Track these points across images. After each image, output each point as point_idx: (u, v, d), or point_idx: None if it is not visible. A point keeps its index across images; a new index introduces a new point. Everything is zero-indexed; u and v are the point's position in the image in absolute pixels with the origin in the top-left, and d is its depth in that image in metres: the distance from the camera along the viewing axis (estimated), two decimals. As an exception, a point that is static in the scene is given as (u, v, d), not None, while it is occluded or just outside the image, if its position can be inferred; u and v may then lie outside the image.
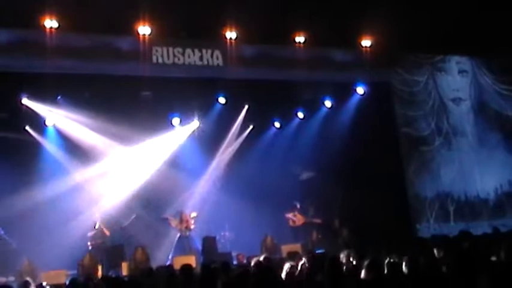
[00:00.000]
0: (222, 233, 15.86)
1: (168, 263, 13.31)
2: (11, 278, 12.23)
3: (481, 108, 16.77)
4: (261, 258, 8.72)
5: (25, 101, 13.64)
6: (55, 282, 10.73)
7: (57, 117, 14.33)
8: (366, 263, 6.50)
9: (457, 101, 16.51)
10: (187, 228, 14.69)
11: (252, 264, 8.29)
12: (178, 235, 14.68)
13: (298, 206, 16.04)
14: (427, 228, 15.09)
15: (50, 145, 14.82)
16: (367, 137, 15.71)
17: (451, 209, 15.66)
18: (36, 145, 14.57)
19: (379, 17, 13.57)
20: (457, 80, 16.68)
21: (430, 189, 15.73)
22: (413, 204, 15.51)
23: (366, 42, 14.74)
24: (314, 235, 15.28)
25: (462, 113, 16.56)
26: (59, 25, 11.76)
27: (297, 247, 13.63)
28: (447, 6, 14.00)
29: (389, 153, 15.64)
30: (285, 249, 13.64)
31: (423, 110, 15.99)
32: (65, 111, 14.02)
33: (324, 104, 16.37)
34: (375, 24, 14.10)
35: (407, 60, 15.93)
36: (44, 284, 9.92)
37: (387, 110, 15.76)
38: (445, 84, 16.49)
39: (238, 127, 16.76)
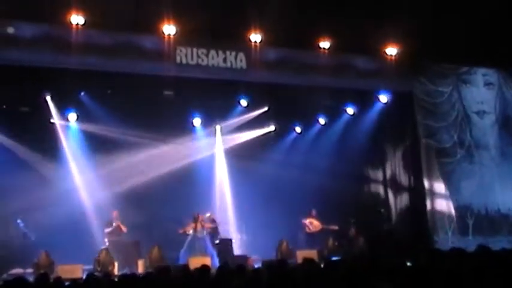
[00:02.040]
0: (238, 236, 15.85)
1: (182, 262, 13.34)
2: (29, 270, 12.36)
3: (505, 122, 16.51)
4: (275, 262, 8.69)
5: (48, 98, 13.83)
6: (71, 276, 10.77)
7: (79, 113, 14.47)
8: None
9: (481, 113, 16.27)
10: (202, 228, 14.73)
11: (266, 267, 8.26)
12: (191, 236, 14.70)
13: (315, 212, 15.98)
14: (446, 240, 14.89)
15: (71, 139, 14.96)
16: (388, 146, 15.61)
17: (470, 222, 15.44)
18: (58, 138, 14.71)
19: (404, 25, 13.48)
20: (482, 93, 16.43)
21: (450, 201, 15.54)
22: (432, 215, 15.31)
23: (391, 51, 14.63)
24: (330, 242, 15.18)
25: (486, 126, 16.31)
26: (85, 22, 11.84)
27: (312, 253, 13.54)
28: (475, 17, 13.87)
29: (409, 163, 15.51)
30: (300, 254, 13.56)
31: (446, 122, 15.79)
32: (88, 107, 14.13)
33: (345, 111, 16.30)
34: (400, 33, 14.01)
35: (432, 70, 15.76)
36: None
37: (409, 120, 15.61)
38: (470, 96, 16.26)
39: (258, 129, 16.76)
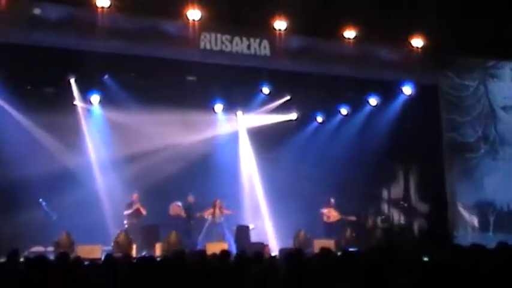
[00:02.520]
0: (256, 223, 15.88)
1: (199, 247, 13.42)
2: (50, 249, 12.52)
3: (533, 118, 16.23)
4: (293, 251, 8.68)
5: (72, 80, 13.92)
6: (90, 256, 10.91)
7: (102, 96, 14.55)
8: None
9: (507, 109, 15.99)
10: (221, 214, 14.79)
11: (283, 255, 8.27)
12: (209, 221, 14.78)
13: (333, 202, 15.95)
14: (465, 236, 14.75)
15: (93, 121, 15.08)
16: (410, 139, 15.47)
17: (492, 219, 15.28)
18: (80, 120, 14.84)
19: (432, 17, 13.32)
20: (509, 87, 16.13)
21: (471, 197, 15.37)
22: (452, 210, 15.17)
23: (417, 42, 14.43)
24: (348, 232, 15.14)
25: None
26: (110, 5, 11.85)
27: (330, 243, 13.53)
28: (503, 10, 13.63)
29: (431, 157, 15.38)
30: (318, 244, 13.56)
31: (470, 116, 15.58)
32: (111, 90, 14.20)
33: (368, 102, 16.17)
34: (427, 24, 13.84)
35: (458, 63, 15.54)
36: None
37: (433, 113, 15.44)
38: (497, 91, 15.99)
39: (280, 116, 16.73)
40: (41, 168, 13.57)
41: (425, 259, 7.97)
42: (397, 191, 16.58)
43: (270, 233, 15.75)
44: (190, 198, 15.04)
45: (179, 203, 14.93)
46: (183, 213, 14.82)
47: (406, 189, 16.30)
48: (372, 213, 15.99)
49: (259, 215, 16.17)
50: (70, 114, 14.60)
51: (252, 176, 16.81)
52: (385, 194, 16.66)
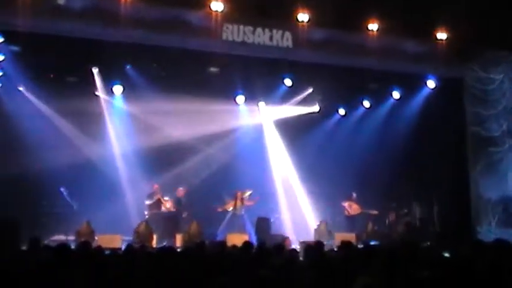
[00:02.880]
0: (276, 215, 15.86)
1: (220, 239, 13.45)
2: (70, 238, 12.63)
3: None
4: (314, 243, 8.66)
5: (94, 70, 13.98)
6: (110, 245, 10.96)
7: (124, 86, 14.60)
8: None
9: (533, 103, 15.73)
10: (242, 205, 14.79)
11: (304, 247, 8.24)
12: (231, 213, 14.80)
13: (355, 195, 15.86)
14: (488, 231, 14.57)
15: (114, 111, 15.14)
16: (434, 132, 15.32)
17: (516, 214, 15.06)
18: (102, 110, 14.92)
19: (457, 9, 13.10)
20: (535, 81, 15.87)
21: (495, 191, 15.14)
22: (476, 206, 14.99)
23: (442, 35, 14.23)
24: (369, 226, 15.05)
25: (537, 117, 15.77)
26: (134, -6, 11.89)
27: (351, 236, 13.47)
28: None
29: (455, 151, 15.20)
30: (339, 237, 13.50)
31: (495, 110, 15.32)
32: (133, 80, 14.24)
33: (391, 95, 16.02)
34: (452, 17, 13.62)
35: (484, 56, 15.27)
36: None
37: (457, 107, 15.25)
38: (522, 84, 15.74)
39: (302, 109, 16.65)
40: (63, 157, 13.69)
41: (447, 254, 7.88)
42: (419, 185, 16.42)
43: (290, 225, 15.71)
44: (180, 191, 14.94)
45: (167, 198, 14.90)
46: (172, 208, 14.77)
47: (429, 184, 16.12)
48: (394, 208, 15.85)
49: (281, 207, 16.14)
50: (92, 104, 14.68)
51: (274, 167, 16.72)
52: (407, 188, 16.49)
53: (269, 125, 17.02)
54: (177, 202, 14.93)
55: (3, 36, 12.07)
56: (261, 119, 16.96)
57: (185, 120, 15.15)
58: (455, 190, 15.30)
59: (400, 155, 15.80)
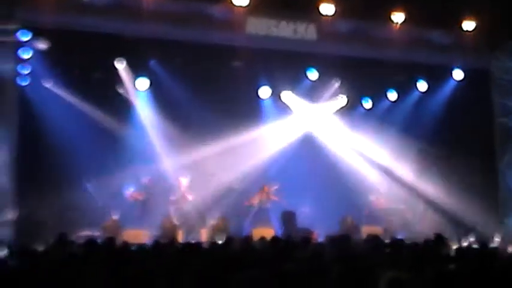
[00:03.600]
0: (302, 209, 15.80)
1: (246, 233, 13.46)
2: (96, 233, 12.72)
3: None
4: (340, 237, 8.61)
5: (118, 65, 14.01)
6: (136, 241, 11.03)
7: (149, 80, 14.61)
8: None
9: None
10: (268, 199, 14.77)
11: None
12: (257, 207, 14.78)
13: (382, 189, 15.73)
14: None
15: (140, 106, 15.17)
16: (461, 124, 15.12)
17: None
18: (126, 105, 14.98)
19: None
20: None
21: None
22: (503, 197, 14.76)
23: (468, 25, 13.98)
24: (396, 220, 14.93)
25: None
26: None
27: (378, 230, 13.38)
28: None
29: (482, 143, 14.99)
30: (365, 230, 13.43)
31: (523, 101, 15.08)
32: (157, 75, 14.26)
33: (416, 87, 15.81)
34: (478, 6, 13.39)
35: (511, 45, 15.01)
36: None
37: (484, 98, 15.02)
38: (550, 74, 15.42)
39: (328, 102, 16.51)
40: (89, 152, 13.75)
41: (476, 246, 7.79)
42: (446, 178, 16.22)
43: (316, 219, 15.63)
44: (145, 180, 14.71)
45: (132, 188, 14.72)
46: (140, 197, 14.57)
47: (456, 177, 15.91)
48: (421, 201, 15.69)
49: (306, 200, 16.06)
50: (117, 99, 14.73)
51: (298, 161, 16.59)
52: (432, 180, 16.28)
53: (293, 117, 16.78)
54: (144, 189, 14.60)
55: (31, 34, 12.21)
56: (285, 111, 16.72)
57: (210, 115, 15.06)
58: (483, 182, 15.08)
59: (427, 147, 15.63)
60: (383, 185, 15.87)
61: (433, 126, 15.48)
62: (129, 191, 14.40)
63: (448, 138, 15.56)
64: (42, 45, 12.63)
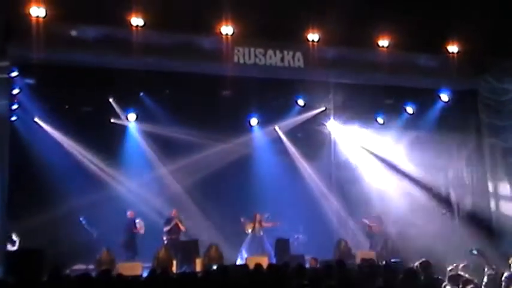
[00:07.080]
0: (296, 236, 15.80)
1: (238, 261, 13.40)
2: (91, 266, 12.64)
3: None
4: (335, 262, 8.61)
5: (110, 99, 14.12)
6: (131, 273, 10.95)
7: (138, 113, 14.71)
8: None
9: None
10: (260, 227, 14.77)
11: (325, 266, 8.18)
12: (250, 235, 14.77)
13: (374, 213, 15.75)
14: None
15: (130, 139, 15.24)
16: (450, 146, 15.21)
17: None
18: (118, 138, 15.03)
19: (467, 20, 13.06)
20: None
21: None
22: (498, 219, 14.76)
23: (453, 48, 14.17)
24: (390, 243, 14.90)
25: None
26: (144, 23, 11.98)
27: (371, 254, 13.36)
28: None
29: (473, 164, 15.07)
30: (360, 255, 13.40)
31: (511, 121, 15.18)
32: (147, 107, 14.36)
33: (405, 110, 15.96)
34: (462, 29, 13.57)
35: (497, 67, 15.14)
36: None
37: (472, 119, 15.15)
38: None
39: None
40: (81, 187, 13.77)
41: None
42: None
43: (309, 245, 15.62)
44: (131, 213, 14.57)
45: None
46: (141, 230, 14.49)
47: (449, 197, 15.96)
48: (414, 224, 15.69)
49: (298, 226, 16.08)
50: (108, 132, 14.80)
51: (289, 187, 16.63)
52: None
53: (281, 144, 16.94)
54: (129, 223, 14.43)
55: (18, 70, 12.25)
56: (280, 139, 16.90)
57: (200, 144, 15.20)
58: (476, 203, 15.09)
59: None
60: (376, 208, 15.86)
61: (423, 148, 15.55)
62: (140, 224, 14.40)
63: (439, 160, 15.64)
64: (29, 80, 12.70)
